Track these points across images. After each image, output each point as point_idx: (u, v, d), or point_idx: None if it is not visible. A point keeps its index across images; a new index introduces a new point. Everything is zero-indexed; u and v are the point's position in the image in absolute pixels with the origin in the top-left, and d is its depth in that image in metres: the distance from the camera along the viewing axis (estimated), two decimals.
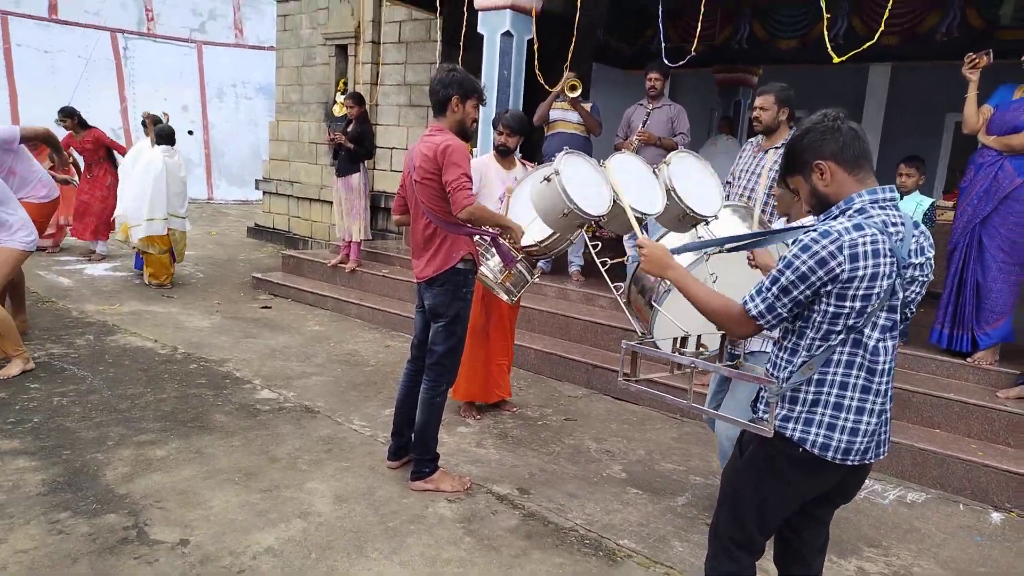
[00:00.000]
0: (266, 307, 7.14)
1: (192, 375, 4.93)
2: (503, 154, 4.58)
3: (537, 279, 4.09)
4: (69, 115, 8.43)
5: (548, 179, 2.72)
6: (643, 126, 6.03)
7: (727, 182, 4.45)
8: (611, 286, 2.59)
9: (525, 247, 3.84)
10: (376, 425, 4.27)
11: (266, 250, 10.43)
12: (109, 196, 8.34)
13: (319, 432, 4.14)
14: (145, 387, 4.63)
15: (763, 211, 3.75)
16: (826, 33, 4.47)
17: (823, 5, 4.40)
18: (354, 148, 7.15)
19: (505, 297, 4.00)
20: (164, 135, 7.59)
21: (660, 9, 5.22)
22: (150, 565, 2.75)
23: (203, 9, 17.35)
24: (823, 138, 1.91)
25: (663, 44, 5.47)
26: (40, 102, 13.56)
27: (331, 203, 8.47)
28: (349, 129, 7.19)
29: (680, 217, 2.67)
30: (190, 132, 17.09)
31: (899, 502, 3.78)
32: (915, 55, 8.90)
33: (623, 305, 2.72)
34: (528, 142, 6.53)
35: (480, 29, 6.51)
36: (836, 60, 4.45)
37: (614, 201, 2.64)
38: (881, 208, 1.86)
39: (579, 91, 6.05)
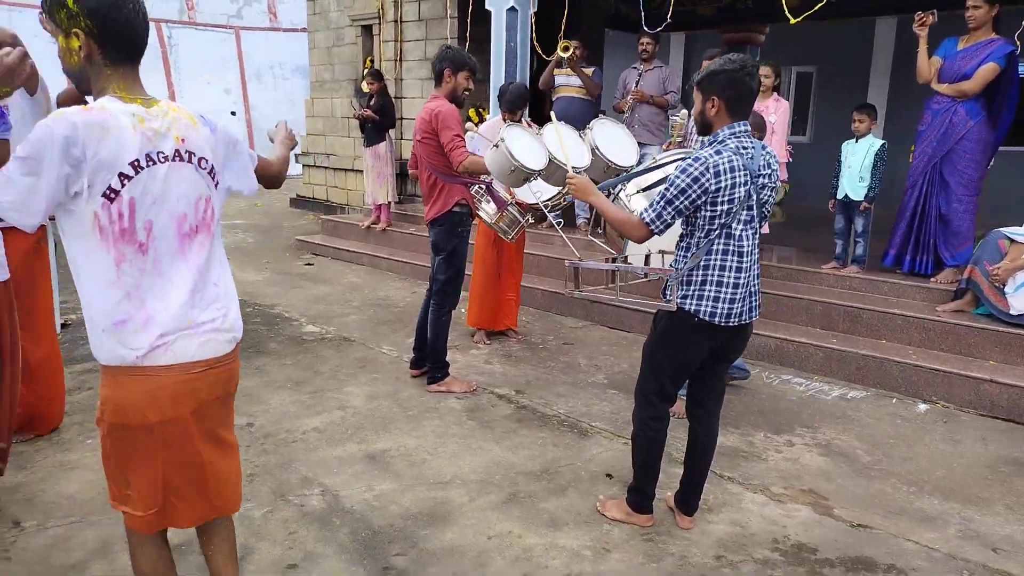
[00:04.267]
0: (309, 264, 8.04)
1: (249, 315, 5.83)
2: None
3: (531, 220, 4.83)
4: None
5: (496, 145, 3.49)
6: (635, 86, 6.66)
7: None
8: (552, 222, 3.34)
9: (532, 205, 4.59)
10: (402, 349, 5.10)
11: (307, 217, 11.34)
12: None
13: (355, 355, 4.99)
14: None
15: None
16: None
17: None
18: (378, 119, 7.95)
19: (503, 235, 4.76)
20: None
21: None
22: None
23: None
24: (730, 84, 2.55)
25: (648, 8, 6.06)
26: None
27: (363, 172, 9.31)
28: (371, 103, 7.98)
29: (604, 169, 3.42)
30: (233, 113, 18.12)
31: (840, 398, 4.46)
32: (917, 6, 9.20)
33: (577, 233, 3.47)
34: (535, 106, 7.21)
35: (488, 6, 7.18)
36: (792, 21, 5.02)
37: (549, 160, 3.40)
38: (736, 138, 2.57)
39: (571, 51, 6.67)
